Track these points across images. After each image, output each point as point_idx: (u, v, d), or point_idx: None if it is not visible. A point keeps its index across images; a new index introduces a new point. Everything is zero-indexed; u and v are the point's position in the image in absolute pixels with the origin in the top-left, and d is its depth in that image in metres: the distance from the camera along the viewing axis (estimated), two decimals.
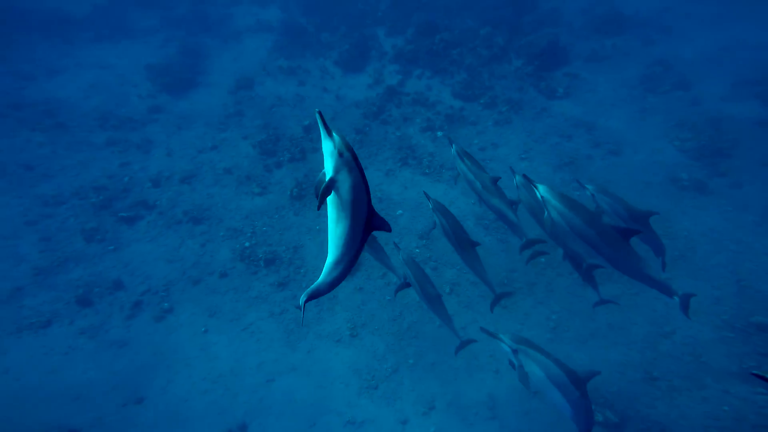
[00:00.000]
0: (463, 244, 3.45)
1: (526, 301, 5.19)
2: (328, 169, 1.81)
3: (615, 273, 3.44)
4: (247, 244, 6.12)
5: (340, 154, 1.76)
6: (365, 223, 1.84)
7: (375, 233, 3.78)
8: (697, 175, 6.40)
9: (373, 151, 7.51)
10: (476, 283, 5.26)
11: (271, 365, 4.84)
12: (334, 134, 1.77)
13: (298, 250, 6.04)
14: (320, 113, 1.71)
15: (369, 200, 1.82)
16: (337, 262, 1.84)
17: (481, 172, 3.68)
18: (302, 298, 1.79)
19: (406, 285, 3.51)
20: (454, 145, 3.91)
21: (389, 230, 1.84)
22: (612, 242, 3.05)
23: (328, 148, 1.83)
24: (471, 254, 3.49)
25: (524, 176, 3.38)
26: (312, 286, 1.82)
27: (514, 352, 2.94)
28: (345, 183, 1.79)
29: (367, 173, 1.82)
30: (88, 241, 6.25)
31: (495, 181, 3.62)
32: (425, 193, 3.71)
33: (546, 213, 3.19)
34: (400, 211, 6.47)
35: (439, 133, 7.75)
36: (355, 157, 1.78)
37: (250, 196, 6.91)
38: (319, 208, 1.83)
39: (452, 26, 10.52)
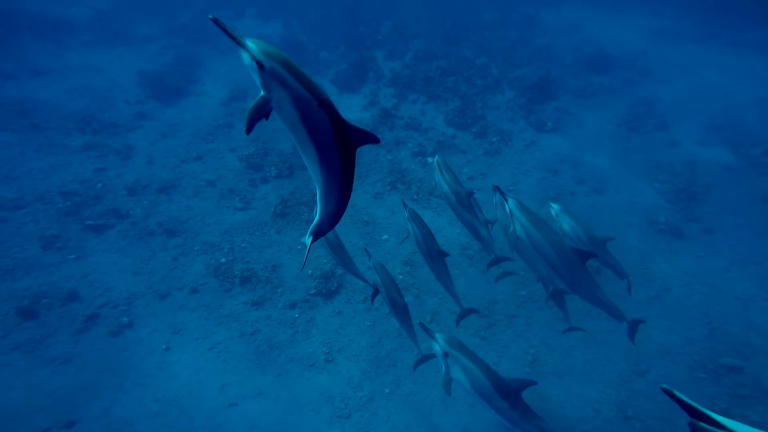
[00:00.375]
0: (433, 255, 3.49)
1: (505, 334, 5.19)
2: (259, 86, 1.47)
3: (594, 309, 3.54)
4: (223, 260, 6.00)
5: (261, 66, 1.39)
6: (337, 139, 1.51)
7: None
8: (674, 219, 6.68)
9: (363, 173, 7.55)
10: (457, 313, 5.25)
11: (236, 388, 4.64)
12: (247, 42, 1.39)
13: (277, 269, 5.95)
14: (215, 18, 1.30)
15: (331, 113, 1.47)
16: (326, 194, 1.61)
17: (456, 185, 3.73)
18: (307, 239, 1.56)
19: (377, 292, 3.52)
20: (436, 156, 4.01)
21: (377, 141, 1.55)
22: (569, 263, 3.10)
23: (245, 60, 1.45)
24: (439, 265, 3.53)
25: (496, 187, 3.38)
26: (312, 225, 1.58)
27: (444, 355, 2.83)
28: (283, 101, 1.44)
29: (354, 195, 1.72)
30: (45, 249, 5.94)
31: (469, 195, 3.69)
32: (402, 200, 3.79)
33: (511, 227, 3.26)
34: (386, 236, 6.47)
35: (430, 159, 7.87)
36: (286, 65, 1.41)
37: (232, 210, 6.82)
38: (247, 132, 1.51)
39: (450, 54, 10.91)
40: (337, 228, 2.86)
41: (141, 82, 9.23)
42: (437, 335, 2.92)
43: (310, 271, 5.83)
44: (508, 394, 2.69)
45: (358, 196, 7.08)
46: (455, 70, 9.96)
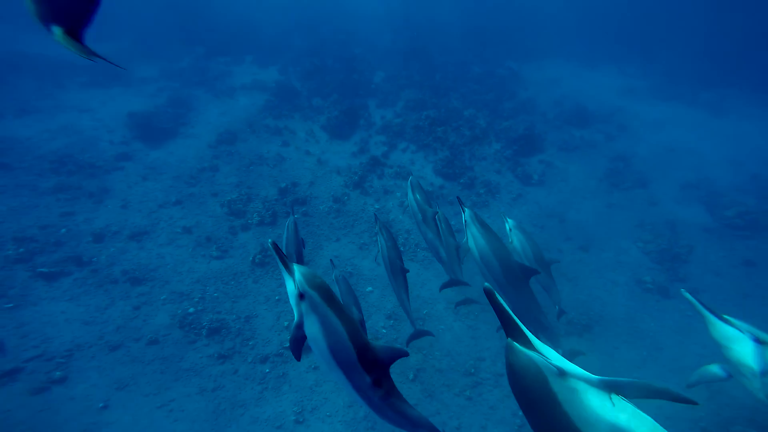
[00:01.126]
0: (395, 268, 3.60)
1: (492, 394, 4.84)
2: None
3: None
4: (191, 309, 5.57)
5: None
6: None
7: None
8: (659, 278, 6.64)
9: (350, 222, 7.41)
10: (441, 371, 5.02)
11: None
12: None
13: (250, 320, 5.55)
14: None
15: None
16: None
17: (425, 206, 4.04)
18: None
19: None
20: (411, 178, 4.26)
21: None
22: (512, 278, 3.22)
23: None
24: (399, 280, 3.65)
25: (457, 198, 3.70)
26: None
27: (300, 296, 1.84)
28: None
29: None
30: None
31: (434, 215, 3.96)
32: (375, 214, 3.99)
33: (465, 238, 3.44)
34: (369, 288, 6.21)
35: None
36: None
37: (207, 259, 6.50)
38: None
39: (439, 105, 11.39)
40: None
41: (129, 123, 9.22)
42: (295, 268, 1.93)
43: (286, 323, 5.47)
44: (373, 365, 1.90)
45: (343, 247, 6.89)
46: (444, 120, 10.32)
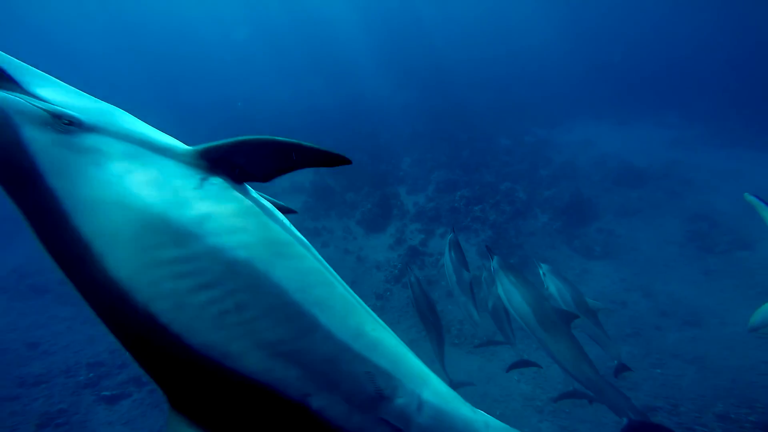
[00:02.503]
0: (425, 319, 3.88)
1: None
2: None
3: None
4: None
5: None
6: None
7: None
8: None
9: (395, 319, 7.12)
10: None
11: None
12: None
13: None
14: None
15: None
16: None
17: (461, 267, 4.04)
18: None
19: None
20: (450, 235, 4.34)
21: None
22: (549, 325, 3.05)
23: None
24: (431, 331, 3.94)
25: (486, 247, 3.88)
26: None
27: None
28: None
29: None
30: (40, 428, 5.48)
31: (471, 278, 3.99)
32: (408, 266, 4.28)
33: (494, 286, 3.53)
34: None
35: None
36: None
37: None
38: None
39: (472, 182, 11.45)
40: None
41: None
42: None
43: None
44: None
45: None
46: (480, 198, 10.20)
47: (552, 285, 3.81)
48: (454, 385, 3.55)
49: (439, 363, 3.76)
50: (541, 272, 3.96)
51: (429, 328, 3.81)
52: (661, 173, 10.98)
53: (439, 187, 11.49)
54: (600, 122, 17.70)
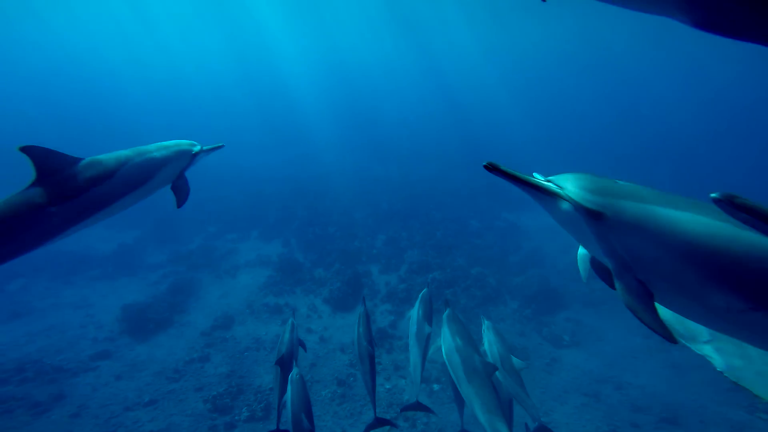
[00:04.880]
0: (362, 355, 4.04)
1: None
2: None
3: None
4: None
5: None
6: None
7: None
8: None
9: (357, 409, 6.85)
10: None
11: None
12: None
13: None
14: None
15: None
16: None
17: (424, 322, 4.38)
18: None
19: None
20: (425, 290, 4.82)
21: None
22: (471, 373, 3.42)
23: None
24: (366, 366, 3.99)
25: (446, 301, 4.41)
26: None
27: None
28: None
29: None
30: None
31: (429, 333, 4.29)
32: (363, 297, 4.54)
33: (439, 339, 4.03)
34: None
35: (436, 386, 7.33)
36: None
37: None
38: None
39: (444, 264, 12.04)
40: None
41: (121, 317, 9.54)
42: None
43: None
44: None
45: None
46: (452, 282, 10.68)
47: (486, 339, 4.29)
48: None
49: (369, 396, 3.98)
50: (483, 327, 4.47)
51: (363, 360, 3.99)
52: None
53: (412, 268, 11.96)
54: None
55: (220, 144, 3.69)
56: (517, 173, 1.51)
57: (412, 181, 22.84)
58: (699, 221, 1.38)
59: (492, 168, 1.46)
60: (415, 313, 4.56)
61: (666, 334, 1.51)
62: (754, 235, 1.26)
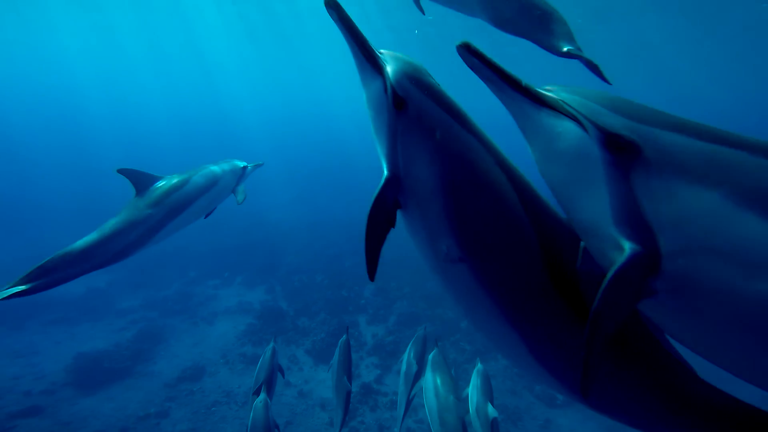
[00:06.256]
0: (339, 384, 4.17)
1: None
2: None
3: None
4: None
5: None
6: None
7: None
8: None
9: None
10: None
11: None
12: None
13: None
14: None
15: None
16: None
17: (414, 361, 4.59)
18: None
19: None
20: (422, 328, 5.22)
21: None
22: (444, 412, 3.63)
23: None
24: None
25: (436, 341, 4.70)
26: None
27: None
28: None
29: None
30: None
31: (416, 372, 4.44)
32: (347, 328, 4.53)
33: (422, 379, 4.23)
34: None
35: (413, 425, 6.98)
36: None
37: None
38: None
39: (434, 317, 11.95)
40: None
41: (71, 367, 8.89)
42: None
43: None
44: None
45: None
46: (440, 335, 10.53)
47: (472, 383, 4.35)
48: None
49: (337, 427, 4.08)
50: (474, 369, 4.52)
51: (340, 392, 4.08)
52: None
53: (400, 320, 11.82)
54: None
55: (261, 162, 4.99)
56: (502, 66, 1.00)
57: (402, 228, 23.17)
58: None
59: (468, 49, 0.98)
60: (407, 352, 4.78)
61: None
62: None
